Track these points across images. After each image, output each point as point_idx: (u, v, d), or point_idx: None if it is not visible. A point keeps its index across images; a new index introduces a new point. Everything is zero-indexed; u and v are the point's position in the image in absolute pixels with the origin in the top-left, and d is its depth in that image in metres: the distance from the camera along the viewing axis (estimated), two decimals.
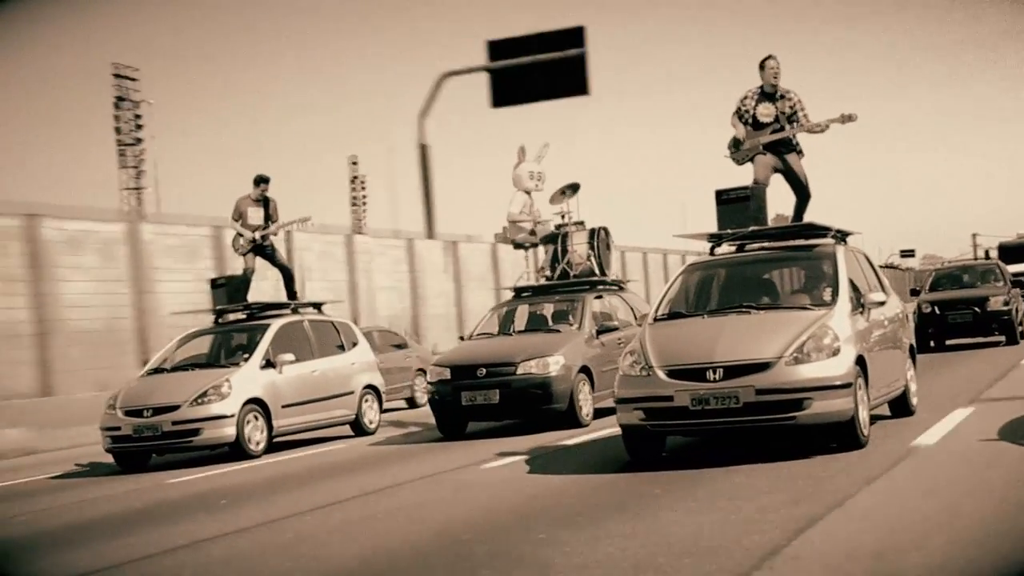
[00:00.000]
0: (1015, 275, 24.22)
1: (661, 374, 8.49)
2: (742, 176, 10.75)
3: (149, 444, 12.65)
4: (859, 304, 9.22)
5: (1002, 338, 21.53)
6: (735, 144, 10.78)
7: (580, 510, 7.17)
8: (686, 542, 5.79)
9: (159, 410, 12.54)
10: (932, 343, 21.87)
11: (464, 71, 20.92)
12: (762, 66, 10.65)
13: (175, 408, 12.50)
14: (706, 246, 10.46)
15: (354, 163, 59.88)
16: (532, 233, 15.67)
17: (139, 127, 36.39)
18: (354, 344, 14.95)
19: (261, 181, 14.77)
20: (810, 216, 10.85)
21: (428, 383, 13.19)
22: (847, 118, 10.59)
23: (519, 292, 15.19)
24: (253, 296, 15.00)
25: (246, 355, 13.32)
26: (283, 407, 13.28)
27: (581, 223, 15.41)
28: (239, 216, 14.74)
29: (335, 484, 9.75)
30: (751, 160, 10.70)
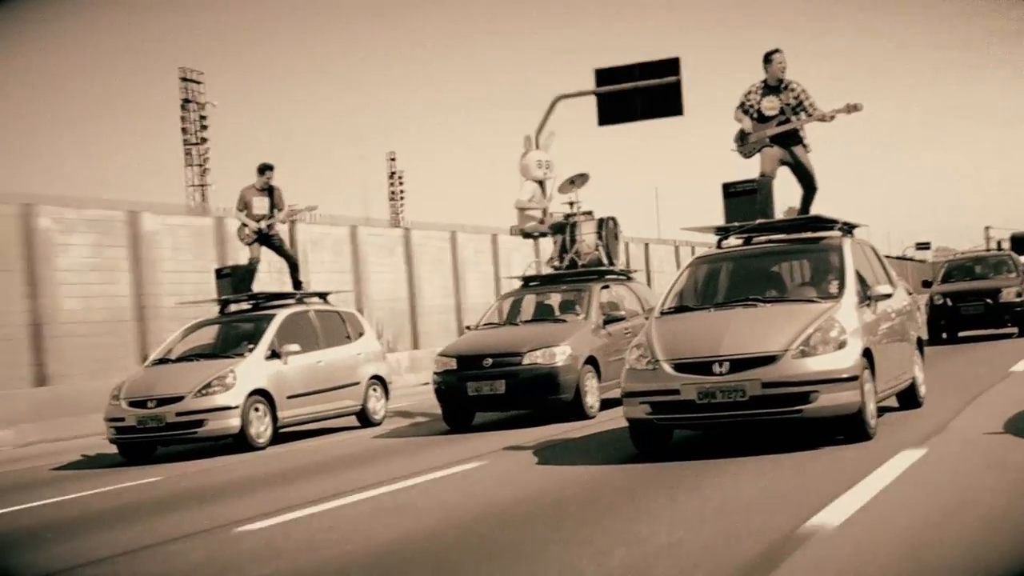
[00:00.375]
0: None
1: (667, 368, 8.62)
2: (749, 169, 10.88)
3: (153, 435, 12.76)
4: (866, 297, 9.33)
5: (1015, 330, 21.61)
6: (741, 137, 10.89)
7: (587, 503, 7.32)
8: (692, 535, 5.91)
9: (163, 401, 12.66)
10: (944, 335, 21.95)
11: (575, 94, 22.58)
12: (768, 59, 10.72)
13: (179, 399, 12.62)
14: (707, 239, 10.57)
15: (392, 159, 61.36)
16: (541, 222, 15.78)
17: (203, 127, 38.60)
18: (360, 334, 15.06)
19: (266, 169, 14.84)
20: (823, 209, 10.93)
21: (434, 374, 13.29)
22: (853, 108, 10.68)
23: (527, 281, 15.32)
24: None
25: (251, 346, 13.41)
26: (288, 398, 13.38)
27: (589, 213, 15.54)
28: (244, 206, 14.84)
29: (340, 477, 9.87)
30: (758, 153, 10.80)
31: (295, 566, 6.24)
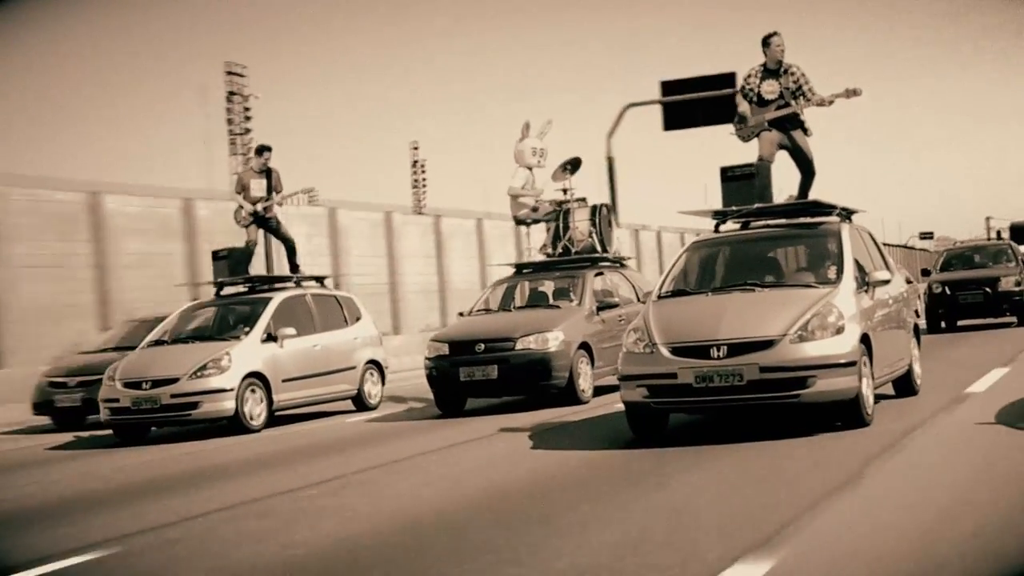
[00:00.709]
0: None
1: (665, 351, 8.67)
2: (747, 153, 10.92)
3: (147, 417, 12.82)
4: (864, 282, 9.38)
5: (1013, 319, 21.70)
6: (740, 121, 10.92)
7: (582, 487, 7.38)
8: (688, 520, 5.97)
9: (158, 383, 12.71)
10: (943, 323, 22.04)
11: (643, 103, 26.63)
12: (766, 43, 10.72)
13: (174, 381, 12.67)
14: (700, 225, 10.62)
15: (415, 148, 63.32)
16: (534, 210, 15.78)
17: (248, 119, 40.98)
18: (357, 319, 15.10)
19: (264, 150, 14.88)
20: (825, 196, 10.95)
21: (426, 359, 13.33)
22: (852, 92, 10.69)
23: (520, 268, 15.36)
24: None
25: (247, 328, 13.46)
26: (284, 381, 13.43)
27: (583, 199, 15.53)
28: (242, 188, 14.86)
29: (333, 460, 9.91)
30: (757, 137, 10.83)
31: (288, 546, 6.27)
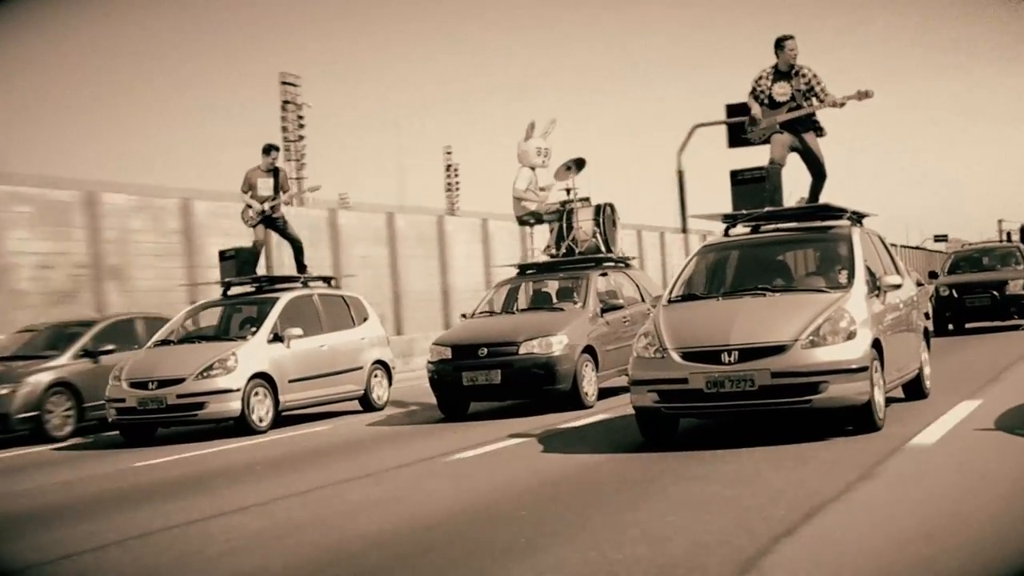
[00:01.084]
0: None
1: (676, 356, 8.68)
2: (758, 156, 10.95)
3: (153, 417, 12.86)
4: (875, 287, 9.38)
5: (1021, 322, 21.71)
6: (752, 123, 10.94)
7: (588, 492, 7.39)
8: (694, 526, 5.99)
9: (164, 383, 12.75)
10: (950, 326, 22.05)
11: (710, 124, 31.41)
12: (780, 46, 10.73)
13: (180, 381, 12.71)
14: (706, 227, 10.66)
15: (448, 152, 65.31)
16: (537, 211, 15.78)
17: (301, 126, 43.16)
18: (364, 319, 15.14)
19: (271, 150, 14.89)
20: (837, 199, 10.96)
21: (429, 362, 13.30)
22: (864, 94, 10.69)
23: (523, 269, 15.35)
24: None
25: (254, 329, 13.51)
26: (290, 382, 13.46)
27: (587, 199, 15.46)
28: (248, 188, 14.88)
29: (337, 464, 9.92)
30: (768, 139, 10.85)
31: (298, 550, 6.31)
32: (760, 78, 10.88)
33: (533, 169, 15.76)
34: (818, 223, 10.30)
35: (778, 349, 8.44)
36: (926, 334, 11.15)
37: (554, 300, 14.17)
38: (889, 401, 9.47)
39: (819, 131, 11.03)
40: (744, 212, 10.30)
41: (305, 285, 14.94)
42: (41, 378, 14.07)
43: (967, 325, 22.38)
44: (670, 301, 9.60)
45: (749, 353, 8.44)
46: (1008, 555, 5.14)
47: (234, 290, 14.90)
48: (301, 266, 15.39)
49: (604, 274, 14.41)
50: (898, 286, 9.77)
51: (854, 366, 8.47)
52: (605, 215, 15.36)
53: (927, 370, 10.92)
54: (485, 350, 12.77)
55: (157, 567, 6.29)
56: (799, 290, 9.38)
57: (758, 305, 9.11)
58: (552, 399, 12.81)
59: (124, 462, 11.35)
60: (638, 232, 40.03)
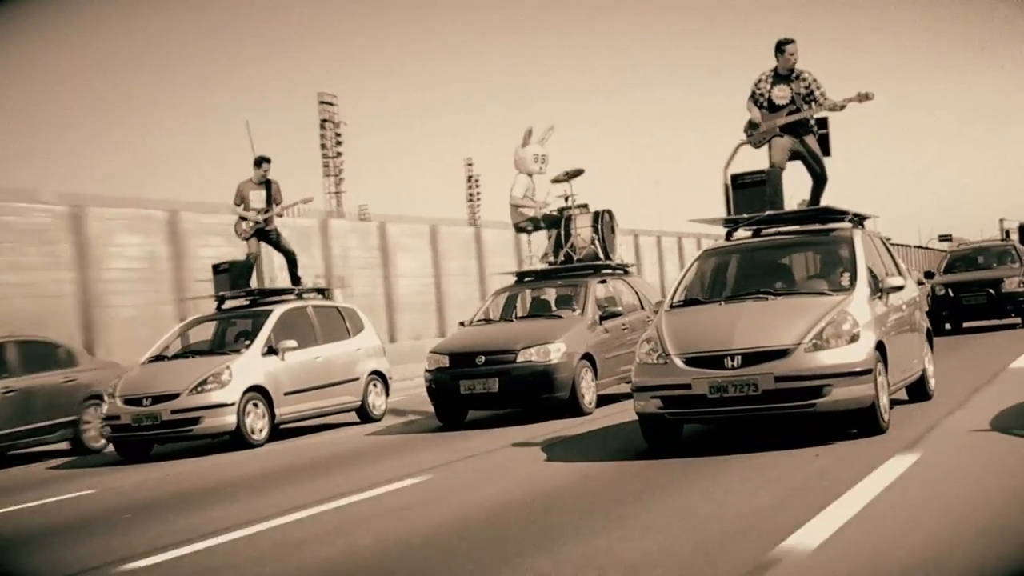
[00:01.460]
0: None
1: (678, 362, 8.74)
2: (757, 159, 11.02)
3: (148, 433, 12.86)
4: (877, 289, 9.46)
5: (1018, 320, 21.84)
6: (751, 127, 11.02)
7: (590, 501, 7.44)
8: (697, 532, 6.04)
9: (158, 399, 12.76)
10: (947, 325, 22.16)
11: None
12: (780, 49, 10.82)
13: (175, 396, 12.73)
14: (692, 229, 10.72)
15: (469, 164, 67.70)
16: (535, 218, 15.84)
17: (339, 143, 44.81)
18: (360, 330, 15.18)
19: (262, 162, 14.90)
20: (839, 201, 11.04)
21: (426, 371, 13.36)
22: (864, 96, 10.77)
23: (521, 277, 15.40)
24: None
25: (248, 342, 13.54)
26: (285, 394, 13.50)
27: (585, 206, 15.52)
28: (241, 200, 14.91)
29: (336, 477, 9.93)
30: (768, 143, 10.94)
31: (289, 567, 6.33)
32: (759, 81, 10.95)
33: (530, 176, 15.81)
34: (819, 226, 10.37)
35: (781, 353, 8.49)
36: (929, 335, 11.21)
37: (553, 308, 14.22)
38: (893, 403, 9.56)
39: (812, 131, 11.11)
40: (745, 216, 10.37)
41: (299, 297, 14.97)
42: None
43: (964, 324, 22.51)
44: (672, 306, 9.66)
45: (752, 357, 8.49)
46: (1011, 555, 5.19)
47: (229, 304, 14.93)
48: (295, 278, 15.43)
49: (603, 281, 14.48)
50: (900, 287, 9.84)
51: (858, 369, 8.52)
52: (603, 222, 15.41)
53: (931, 371, 10.99)
54: (483, 358, 12.82)
55: None
56: (801, 293, 9.44)
57: (760, 309, 9.17)
58: (551, 407, 12.85)
59: (120, 479, 11.36)
60: (658, 238, 40.65)
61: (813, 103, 10.87)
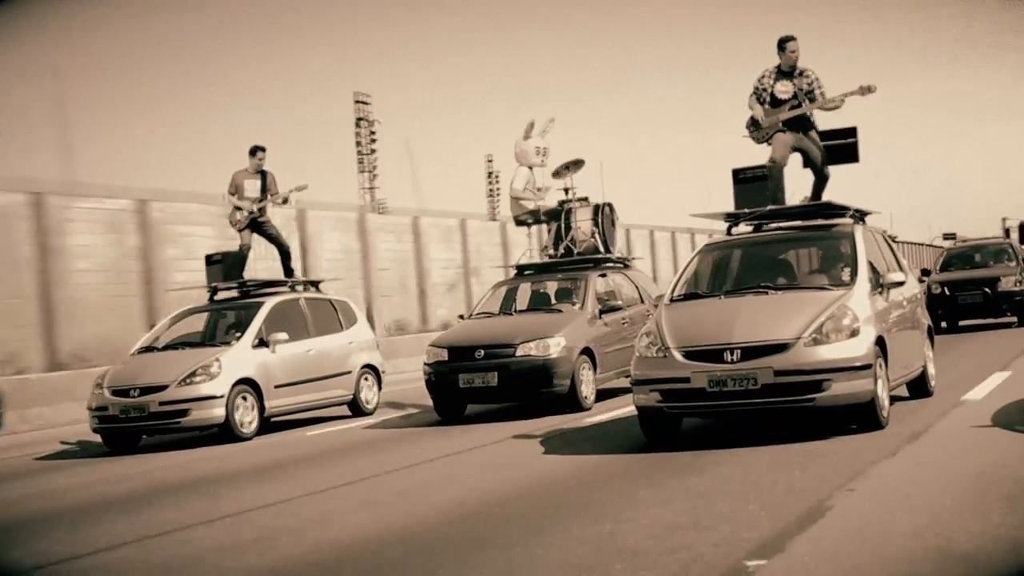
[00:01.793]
0: None
1: (678, 355, 8.91)
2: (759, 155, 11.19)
3: (136, 425, 12.97)
4: (878, 284, 9.65)
5: (1014, 319, 22.05)
6: (754, 123, 11.19)
7: (584, 494, 7.58)
8: (692, 526, 6.15)
9: (146, 390, 12.87)
10: (944, 324, 22.35)
11: None
12: (782, 47, 11.01)
13: (163, 388, 12.83)
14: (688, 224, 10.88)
15: (489, 161, 70.83)
16: (535, 211, 15.98)
17: (373, 141, 47.25)
18: (353, 323, 15.31)
19: (257, 150, 14.99)
20: (841, 197, 11.18)
21: (425, 364, 13.51)
22: (867, 89, 10.93)
23: (521, 270, 15.56)
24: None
25: (238, 334, 13.66)
26: (276, 387, 13.62)
27: (585, 199, 15.67)
28: (235, 190, 15.01)
29: (329, 469, 10.07)
30: (770, 139, 11.11)
31: (268, 560, 6.41)
32: (762, 77, 11.15)
33: (531, 168, 15.95)
34: (821, 221, 10.55)
35: (781, 347, 8.65)
36: (930, 331, 11.40)
37: (552, 301, 14.37)
38: (893, 399, 9.73)
39: (816, 131, 11.29)
40: (747, 211, 10.52)
41: (292, 289, 15.09)
42: None
43: (960, 323, 22.72)
44: (672, 300, 9.82)
45: (752, 351, 8.65)
46: (1013, 555, 5.31)
47: (221, 295, 15.05)
48: (288, 270, 15.54)
49: (603, 275, 14.64)
50: (901, 283, 10.01)
51: (857, 364, 8.68)
52: (604, 215, 15.56)
53: (931, 367, 11.18)
54: (482, 352, 12.97)
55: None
56: (802, 288, 9.62)
57: (760, 303, 9.34)
58: (550, 401, 13.03)
59: (102, 471, 11.48)
60: (672, 234, 41.28)
61: (813, 101, 11.03)
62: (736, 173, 10.65)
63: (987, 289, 22.09)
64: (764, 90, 11.10)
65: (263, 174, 15.00)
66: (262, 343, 13.60)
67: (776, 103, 11.08)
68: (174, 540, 7.22)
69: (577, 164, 15.67)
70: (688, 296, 9.90)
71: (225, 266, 14.97)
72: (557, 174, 15.74)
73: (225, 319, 14.39)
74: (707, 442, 9.26)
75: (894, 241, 11.49)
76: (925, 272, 24.07)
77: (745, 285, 9.81)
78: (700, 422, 10.11)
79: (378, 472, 9.48)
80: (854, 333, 8.80)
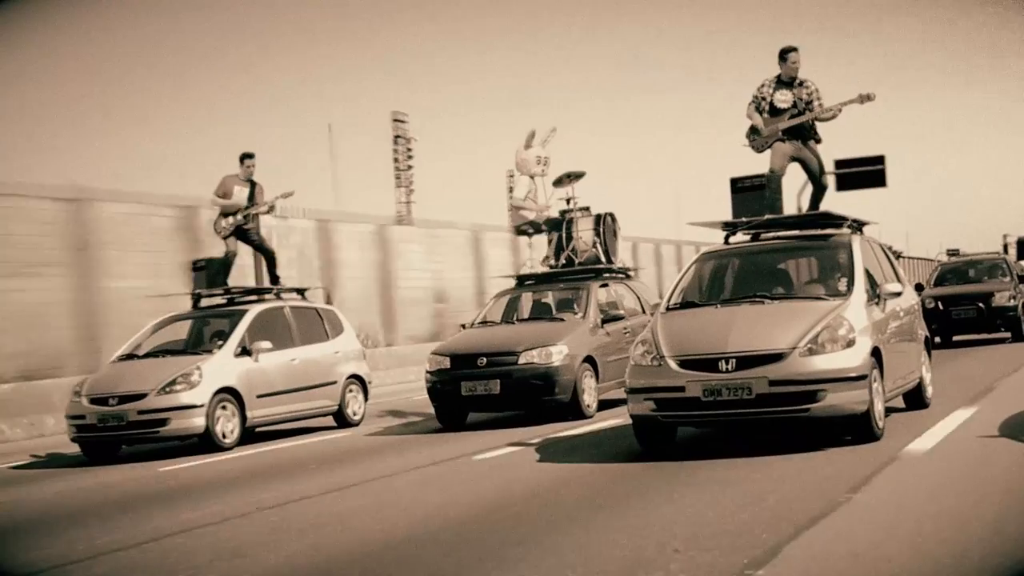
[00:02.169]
0: None
1: (673, 364, 9.06)
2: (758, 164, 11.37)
3: (114, 434, 13.00)
4: (875, 295, 9.81)
5: (1008, 334, 22.28)
6: (753, 132, 11.36)
7: (581, 503, 7.72)
8: (686, 537, 6.22)
9: (125, 398, 12.91)
10: (937, 339, 22.55)
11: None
12: (783, 57, 11.22)
13: (142, 397, 12.87)
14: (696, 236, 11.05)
15: (511, 176, 74.03)
16: (534, 221, 16.14)
17: (410, 158, 50.22)
18: (339, 332, 15.41)
19: (246, 157, 15.16)
20: (841, 208, 11.34)
21: (427, 372, 13.70)
22: (866, 98, 11.12)
23: (522, 280, 15.75)
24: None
25: (220, 342, 13.72)
26: (258, 397, 13.68)
27: (587, 209, 15.89)
28: (223, 194, 15.13)
29: (328, 476, 10.19)
30: (770, 148, 11.28)
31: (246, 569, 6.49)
32: (762, 86, 11.37)
33: (532, 178, 16.14)
34: (818, 231, 10.72)
35: (776, 357, 8.79)
36: (927, 343, 11.59)
37: (554, 311, 14.61)
38: (889, 411, 9.87)
39: (817, 139, 11.46)
40: (744, 220, 10.68)
41: (278, 297, 15.17)
42: None
43: (954, 338, 22.93)
44: (668, 309, 9.99)
45: (747, 361, 8.80)
46: (1011, 565, 5.43)
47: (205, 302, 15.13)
48: (274, 277, 15.64)
49: (605, 285, 14.89)
50: (898, 294, 10.18)
51: (853, 374, 8.83)
52: (605, 225, 15.78)
53: (928, 379, 11.36)
54: (484, 360, 13.20)
55: None
56: (798, 298, 9.78)
57: (756, 313, 9.49)
58: (552, 409, 13.22)
59: (80, 480, 11.53)
60: (678, 247, 41.70)
61: (811, 111, 11.21)
62: (734, 182, 10.84)
63: (981, 304, 22.34)
64: (763, 99, 11.29)
65: (252, 183, 15.15)
66: (245, 351, 13.65)
67: (775, 112, 11.27)
68: (144, 552, 7.22)
69: (578, 176, 15.85)
70: (684, 305, 10.06)
71: (210, 273, 15.05)
72: (558, 183, 15.93)
73: (208, 327, 14.44)
74: (701, 452, 9.39)
75: (898, 256, 11.63)
76: (919, 287, 24.24)
77: (741, 294, 9.97)
78: (695, 431, 10.23)
79: (357, 481, 9.57)
80: (850, 343, 8.93)
